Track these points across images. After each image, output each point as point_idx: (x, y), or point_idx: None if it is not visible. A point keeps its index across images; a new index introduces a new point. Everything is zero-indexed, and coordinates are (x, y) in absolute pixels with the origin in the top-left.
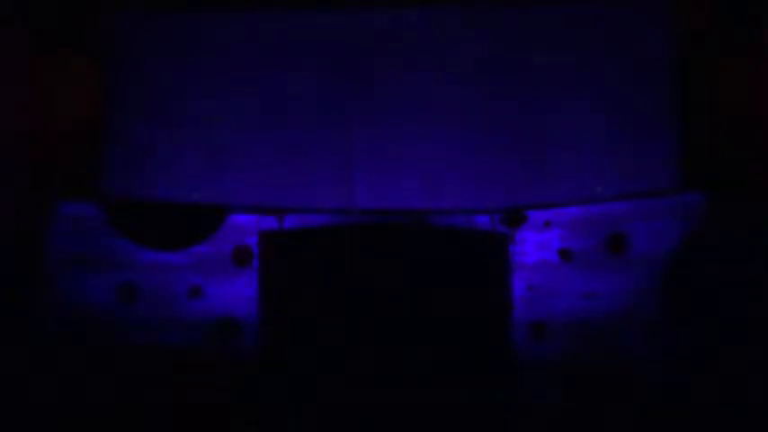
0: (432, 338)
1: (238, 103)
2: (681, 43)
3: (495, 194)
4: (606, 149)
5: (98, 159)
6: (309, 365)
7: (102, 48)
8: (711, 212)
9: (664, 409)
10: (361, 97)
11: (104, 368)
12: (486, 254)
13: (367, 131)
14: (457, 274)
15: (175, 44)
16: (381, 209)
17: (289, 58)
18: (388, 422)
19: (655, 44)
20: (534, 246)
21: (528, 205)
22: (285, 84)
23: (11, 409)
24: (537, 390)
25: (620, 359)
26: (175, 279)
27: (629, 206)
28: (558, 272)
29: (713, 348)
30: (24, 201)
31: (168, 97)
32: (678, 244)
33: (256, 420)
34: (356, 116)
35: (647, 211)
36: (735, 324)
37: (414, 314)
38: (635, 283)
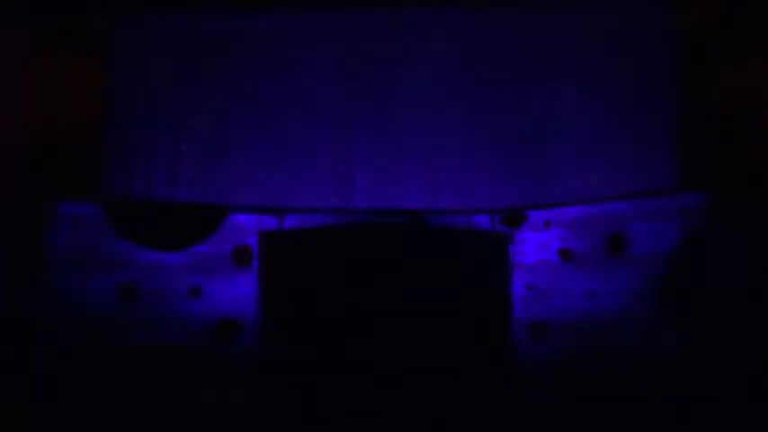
0: (432, 338)
1: (238, 103)
2: (681, 43)
3: (495, 194)
4: (606, 150)
5: (98, 159)
6: (309, 365)
7: (102, 48)
8: (711, 212)
9: (664, 409)
10: (361, 97)
11: (105, 368)
12: (486, 254)
13: (367, 131)
14: (457, 273)
15: (175, 45)
16: (381, 209)
17: (288, 59)
18: (388, 422)
19: (655, 45)
20: (534, 246)
21: (528, 205)
22: (285, 84)
23: (12, 409)
24: (537, 390)
25: (620, 359)
26: (175, 279)
27: (629, 206)
28: (558, 272)
29: (713, 348)
30: (24, 201)
31: (168, 98)
32: (678, 244)
33: (256, 419)
34: (356, 116)
35: (647, 211)
36: (735, 323)
37: (414, 314)
38: (635, 283)
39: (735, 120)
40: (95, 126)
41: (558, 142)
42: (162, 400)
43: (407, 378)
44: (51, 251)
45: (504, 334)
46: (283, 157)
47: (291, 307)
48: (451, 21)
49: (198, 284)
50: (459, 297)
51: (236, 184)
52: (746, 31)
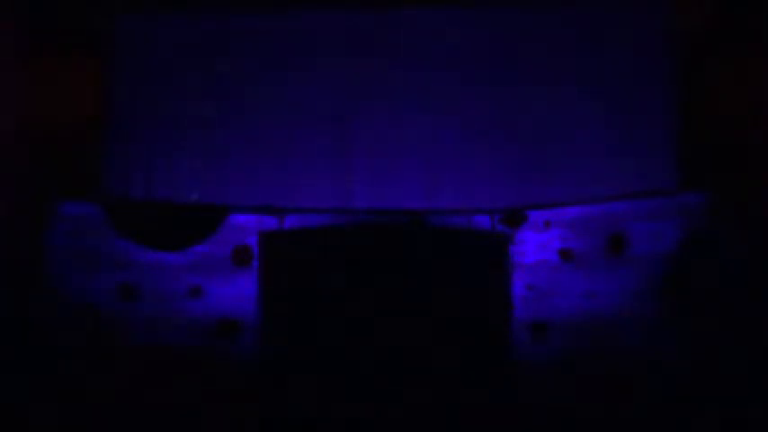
0: (432, 338)
1: (238, 103)
2: (681, 43)
3: (495, 194)
4: (606, 149)
5: (98, 159)
6: (309, 365)
7: (102, 49)
8: (711, 212)
9: (664, 409)
10: (360, 97)
11: (105, 368)
12: (486, 254)
13: (366, 131)
14: (457, 273)
15: (175, 45)
16: (381, 209)
17: (288, 59)
18: (389, 422)
19: (654, 44)
20: (534, 246)
21: (528, 205)
22: (284, 84)
23: (13, 410)
24: (537, 390)
25: (620, 359)
26: (175, 279)
27: (629, 206)
28: (558, 272)
29: (713, 348)
30: (24, 201)
31: (168, 97)
32: (678, 244)
33: (257, 419)
34: (356, 116)
35: (647, 211)
36: (735, 323)
37: (414, 314)
38: (635, 283)
39: (735, 120)
40: (95, 126)
41: (557, 142)
42: (162, 400)
43: (407, 378)
44: (51, 251)
45: (504, 334)
46: (283, 157)
47: (291, 307)
48: (451, 21)
49: (198, 284)
50: (459, 297)
51: (236, 184)
52: (746, 31)
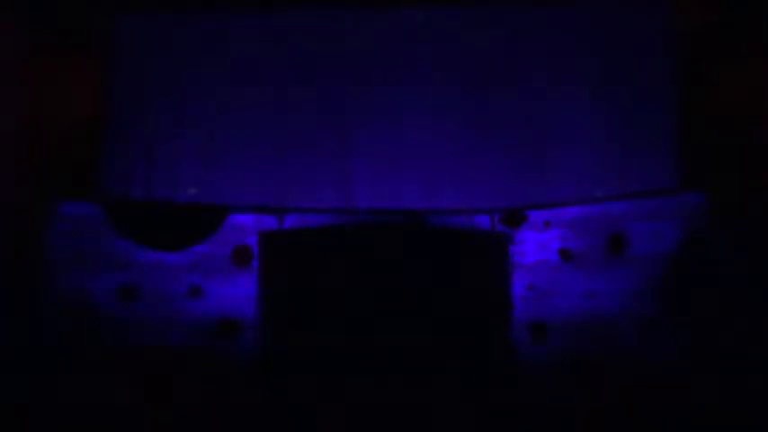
0: (432, 338)
1: (238, 104)
2: (681, 43)
3: (495, 194)
4: (606, 149)
5: (98, 159)
6: (309, 365)
7: (102, 48)
8: (711, 212)
9: (664, 408)
10: (361, 97)
11: (105, 368)
12: (486, 254)
13: (367, 131)
14: (457, 273)
15: (175, 45)
16: (381, 209)
17: (288, 59)
18: (389, 422)
19: (655, 45)
20: (534, 246)
21: (528, 205)
22: (285, 84)
23: (13, 410)
24: (537, 390)
25: (620, 359)
26: (175, 279)
27: (629, 206)
28: (558, 272)
29: (713, 347)
30: (24, 201)
31: (168, 97)
32: (678, 244)
33: (256, 419)
34: (356, 116)
35: (647, 211)
36: (735, 323)
37: (414, 314)
38: (635, 283)
39: (735, 120)
40: (95, 126)
41: (557, 142)
42: (162, 401)
43: (407, 378)
44: (51, 251)
45: (505, 334)
46: (283, 157)
47: (291, 307)
48: (451, 21)
49: (198, 284)
50: (459, 297)
51: (236, 185)
52: (746, 31)
